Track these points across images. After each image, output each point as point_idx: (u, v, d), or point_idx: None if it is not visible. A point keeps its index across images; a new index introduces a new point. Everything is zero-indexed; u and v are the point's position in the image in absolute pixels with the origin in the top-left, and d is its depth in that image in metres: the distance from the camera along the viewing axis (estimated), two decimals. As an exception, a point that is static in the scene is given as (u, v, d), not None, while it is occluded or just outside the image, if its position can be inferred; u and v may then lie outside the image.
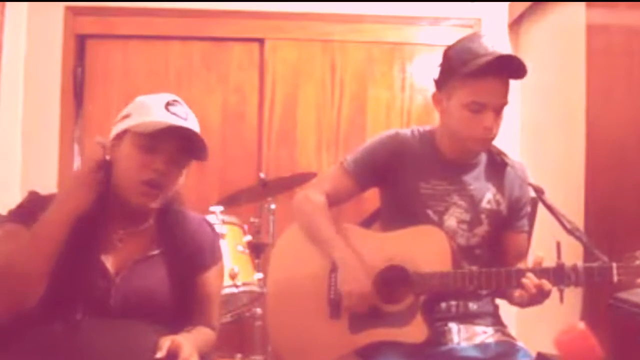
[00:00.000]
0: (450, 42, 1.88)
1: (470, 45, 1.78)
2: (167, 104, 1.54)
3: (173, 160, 1.54)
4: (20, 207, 1.56)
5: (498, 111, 1.79)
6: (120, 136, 1.55)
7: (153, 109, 1.54)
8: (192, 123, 1.57)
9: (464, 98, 1.78)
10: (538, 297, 1.67)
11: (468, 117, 1.79)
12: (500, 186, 1.92)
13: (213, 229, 1.73)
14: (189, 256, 1.62)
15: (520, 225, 1.97)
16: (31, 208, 1.53)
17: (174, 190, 1.59)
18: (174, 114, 1.54)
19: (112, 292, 1.50)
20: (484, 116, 1.77)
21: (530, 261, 1.76)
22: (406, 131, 1.98)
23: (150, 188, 1.51)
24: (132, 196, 1.52)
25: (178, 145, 1.54)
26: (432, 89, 1.91)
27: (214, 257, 1.69)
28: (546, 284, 1.64)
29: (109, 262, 1.53)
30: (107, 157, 1.52)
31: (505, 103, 1.80)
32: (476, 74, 1.74)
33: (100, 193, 1.53)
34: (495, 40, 1.80)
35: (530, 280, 1.65)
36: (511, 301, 1.86)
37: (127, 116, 1.56)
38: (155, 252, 1.59)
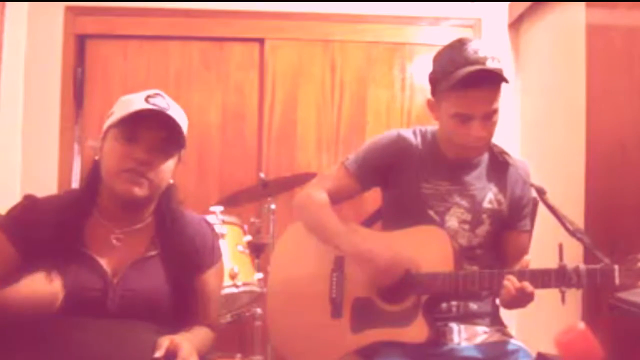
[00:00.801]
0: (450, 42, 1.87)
1: (453, 54, 1.78)
2: (148, 97, 1.53)
3: (155, 148, 1.52)
4: (14, 211, 1.56)
5: (488, 118, 1.78)
6: (105, 135, 1.56)
7: (133, 103, 1.53)
8: (173, 112, 1.54)
9: (449, 109, 1.79)
10: (521, 299, 1.67)
11: (456, 127, 1.80)
12: (501, 186, 1.92)
13: (212, 229, 1.73)
14: (188, 257, 1.62)
15: (522, 225, 1.96)
16: (25, 217, 1.53)
17: (164, 181, 1.57)
18: (153, 104, 1.52)
19: (110, 294, 1.50)
20: (472, 126, 1.77)
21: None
22: (408, 131, 1.98)
23: (132, 175, 1.50)
24: (117, 186, 1.52)
25: (158, 133, 1.52)
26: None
27: (213, 257, 1.68)
28: (528, 286, 1.64)
29: (106, 263, 1.53)
30: (96, 157, 1.56)
31: (492, 110, 1.78)
32: (458, 87, 1.74)
33: (91, 193, 1.55)
34: (480, 46, 1.78)
35: (511, 283, 1.65)
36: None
37: (110, 115, 1.57)
38: (153, 252, 1.58)
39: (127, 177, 1.50)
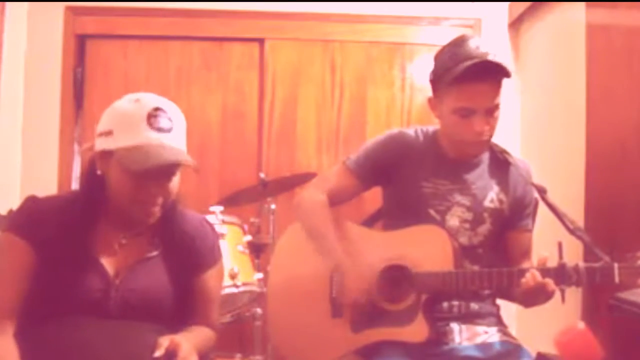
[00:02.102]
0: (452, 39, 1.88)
1: (455, 50, 1.79)
2: (149, 117, 1.46)
3: (164, 178, 1.51)
4: (22, 212, 1.55)
5: (489, 113, 1.79)
6: (106, 154, 1.50)
7: (135, 128, 1.45)
8: (176, 128, 1.50)
9: (452, 104, 1.79)
10: (541, 296, 1.66)
11: (458, 122, 1.80)
12: (503, 185, 1.92)
13: (213, 229, 1.72)
14: (189, 257, 1.62)
15: (524, 224, 1.96)
16: (33, 216, 1.52)
17: (173, 195, 1.56)
18: (158, 129, 1.46)
19: (112, 294, 1.50)
20: (474, 121, 1.78)
21: (534, 261, 1.75)
22: (409, 130, 1.98)
23: (148, 206, 1.50)
24: (132, 214, 1.52)
25: (168, 169, 1.50)
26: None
27: (214, 257, 1.68)
28: (550, 284, 1.63)
29: (108, 263, 1.53)
30: (99, 172, 1.53)
31: (494, 105, 1.79)
32: (460, 80, 1.74)
33: (95, 202, 1.54)
34: (481, 43, 1.79)
35: (532, 275, 1.64)
36: (514, 300, 1.86)
37: (109, 133, 1.49)
38: (155, 253, 1.58)
39: (141, 209, 1.50)
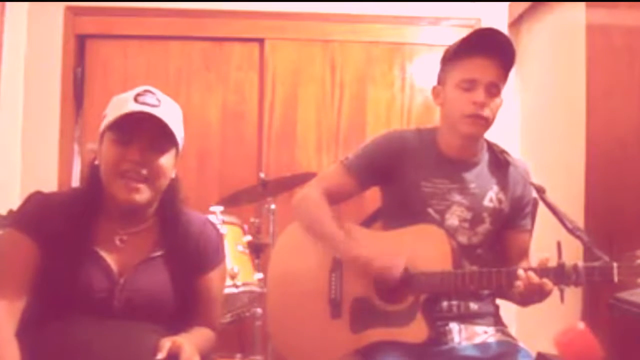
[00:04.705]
0: (450, 42, 1.91)
1: (463, 38, 1.84)
2: (137, 95, 1.52)
3: (148, 148, 1.51)
4: (28, 207, 1.55)
5: (490, 91, 1.81)
6: (101, 138, 1.55)
7: (123, 104, 1.51)
8: (164, 108, 1.53)
9: (455, 78, 1.84)
10: (536, 295, 1.66)
11: (459, 96, 1.83)
12: (502, 184, 1.92)
13: (217, 230, 1.72)
14: (193, 257, 1.62)
15: (523, 224, 1.96)
16: (39, 212, 1.52)
17: (163, 177, 1.55)
18: (143, 103, 1.50)
19: (116, 294, 1.50)
20: (475, 93, 1.80)
21: (534, 262, 1.75)
22: (407, 130, 1.99)
23: (129, 181, 1.50)
24: (117, 195, 1.51)
25: (150, 133, 1.51)
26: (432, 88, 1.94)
27: (218, 258, 1.68)
28: (548, 283, 1.63)
29: (113, 262, 1.53)
30: (96, 162, 1.55)
31: (496, 83, 1.82)
32: (465, 54, 1.81)
33: (94, 197, 1.54)
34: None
35: (527, 276, 1.64)
36: (511, 299, 1.86)
37: (104, 117, 1.56)
38: (159, 253, 1.58)
39: (125, 184, 1.49)
